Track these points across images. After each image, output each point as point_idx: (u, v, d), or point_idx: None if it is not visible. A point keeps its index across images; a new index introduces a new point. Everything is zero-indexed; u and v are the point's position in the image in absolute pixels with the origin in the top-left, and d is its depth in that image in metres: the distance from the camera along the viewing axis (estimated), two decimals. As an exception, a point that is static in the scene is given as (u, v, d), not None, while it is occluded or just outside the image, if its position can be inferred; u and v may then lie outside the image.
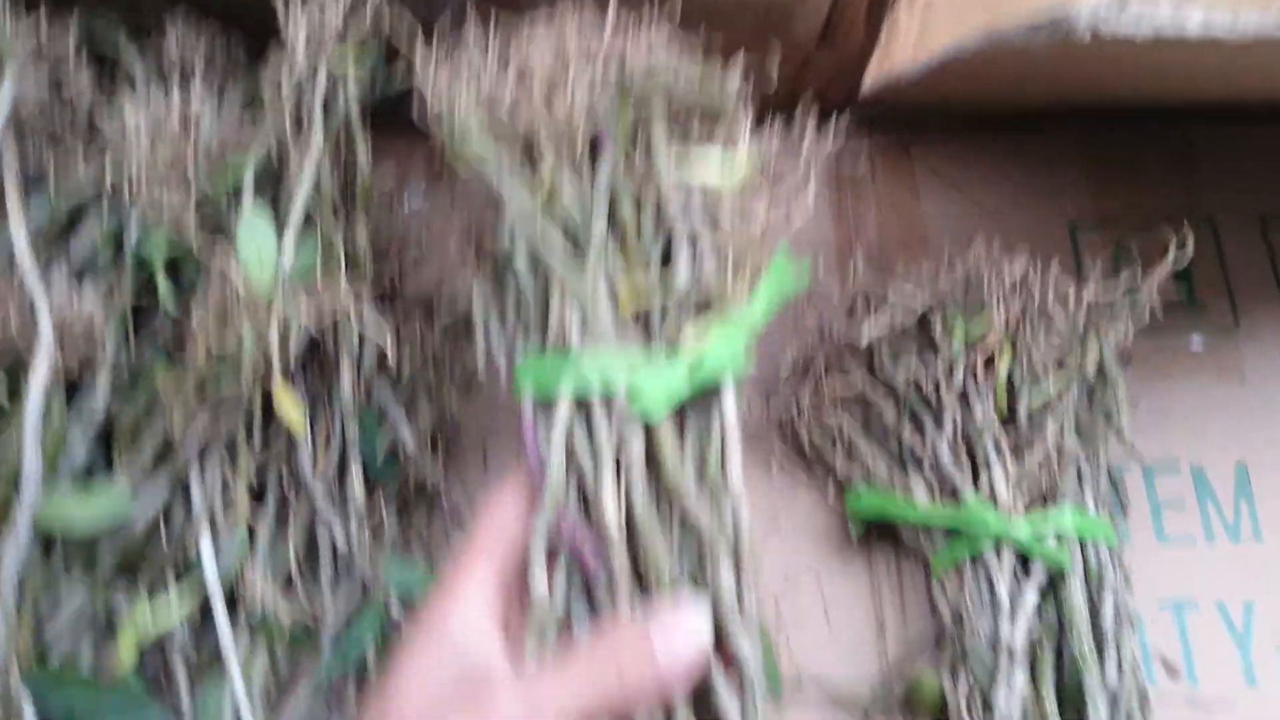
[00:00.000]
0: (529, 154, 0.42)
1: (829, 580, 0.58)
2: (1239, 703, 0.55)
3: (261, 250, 0.48)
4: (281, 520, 0.53)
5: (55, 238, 0.52)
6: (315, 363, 0.52)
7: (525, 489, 0.39)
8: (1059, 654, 0.52)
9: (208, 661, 0.52)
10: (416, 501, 0.57)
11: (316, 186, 0.50)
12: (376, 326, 0.49)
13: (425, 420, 0.54)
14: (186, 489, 0.52)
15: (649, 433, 0.38)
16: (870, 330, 0.56)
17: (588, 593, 0.37)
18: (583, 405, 0.38)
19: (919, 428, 0.56)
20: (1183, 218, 0.62)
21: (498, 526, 0.38)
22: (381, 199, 0.56)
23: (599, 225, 0.40)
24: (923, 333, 0.57)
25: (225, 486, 0.51)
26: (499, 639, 0.35)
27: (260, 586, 0.50)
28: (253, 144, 0.51)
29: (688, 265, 0.40)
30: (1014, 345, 0.54)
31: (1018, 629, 0.51)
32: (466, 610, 0.35)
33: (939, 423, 0.55)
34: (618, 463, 0.38)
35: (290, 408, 0.48)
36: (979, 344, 0.54)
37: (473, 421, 0.60)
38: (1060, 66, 0.50)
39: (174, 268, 0.52)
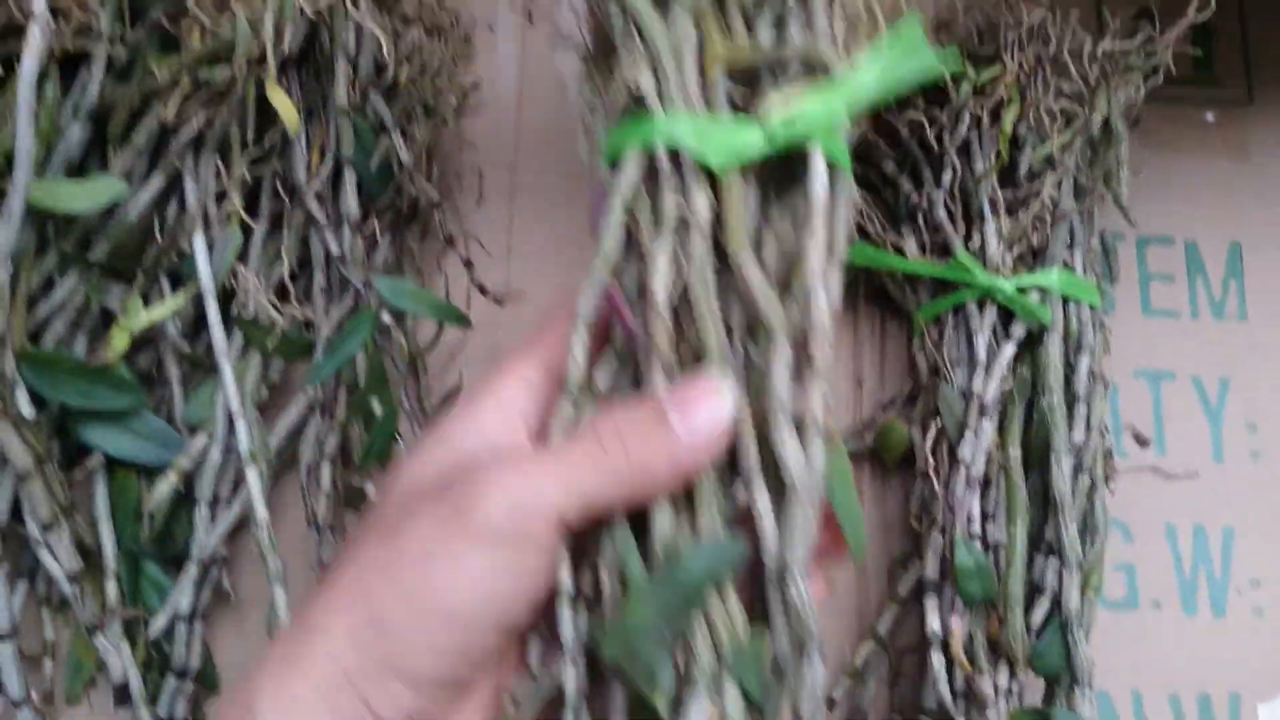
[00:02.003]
0: None
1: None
2: (1204, 477, 0.56)
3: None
4: (275, 227, 0.54)
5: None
6: (311, 68, 0.52)
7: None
8: (1029, 413, 0.52)
9: (200, 361, 0.53)
10: (409, 221, 0.57)
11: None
12: (372, 18, 0.48)
13: (421, 135, 0.54)
14: (180, 185, 0.52)
15: (716, 192, 0.33)
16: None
17: (635, 370, 0.33)
18: (652, 167, 0.33)
19: (917, 180, 0.55)
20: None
21: (561, 329, 0.33)
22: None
23: None
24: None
25: (220, 184, 0.52)
26: (522, 429, 0.32)
27: (253, 285, 0.51)
28: None
29: (794, 26, 0.33)
30: (1023, 97, 0.53)
31: (991, 381, 0.51)
32: (500, 399, 0.32)
33: (938, 175, 0.54)
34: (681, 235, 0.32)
35: (283, 101, 0.47)
36: (988, 90, 0.53)
37: (471, 151, 0.60)
38: None
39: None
